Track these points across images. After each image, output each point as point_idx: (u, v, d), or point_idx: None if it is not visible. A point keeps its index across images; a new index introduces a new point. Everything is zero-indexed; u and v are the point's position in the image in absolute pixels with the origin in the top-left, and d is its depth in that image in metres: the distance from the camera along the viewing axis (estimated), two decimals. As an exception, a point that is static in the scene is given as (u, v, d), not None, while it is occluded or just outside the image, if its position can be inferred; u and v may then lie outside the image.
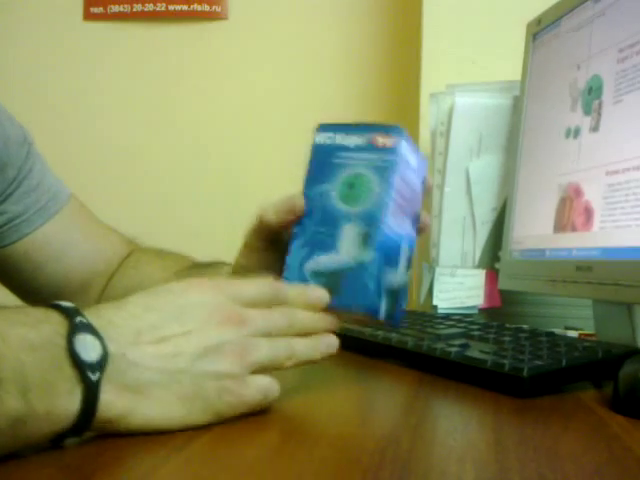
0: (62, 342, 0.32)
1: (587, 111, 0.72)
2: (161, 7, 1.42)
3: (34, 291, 0.72)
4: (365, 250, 0.47)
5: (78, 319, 0.34)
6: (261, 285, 0.43)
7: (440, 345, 0.57)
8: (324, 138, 0.51)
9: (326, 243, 0.48)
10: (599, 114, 0.70)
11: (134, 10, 1.43)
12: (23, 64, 1.47)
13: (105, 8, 1.44)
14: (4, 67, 1.47)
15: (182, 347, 0.37)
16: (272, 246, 0.52)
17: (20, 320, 0.33)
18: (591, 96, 0.72)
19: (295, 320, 0.43)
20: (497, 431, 0.39)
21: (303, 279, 0.47)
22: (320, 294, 0.45)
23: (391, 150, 0.49)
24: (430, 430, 0.41)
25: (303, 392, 0.51)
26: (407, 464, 0.32)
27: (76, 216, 0.76)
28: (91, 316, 0.35)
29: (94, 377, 0.33)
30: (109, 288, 0.75)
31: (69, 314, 0.34)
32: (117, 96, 1.46)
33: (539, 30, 0.86)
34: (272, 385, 0.40)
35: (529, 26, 0.89)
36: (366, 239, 0.47)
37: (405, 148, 0.51)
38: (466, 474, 0.31)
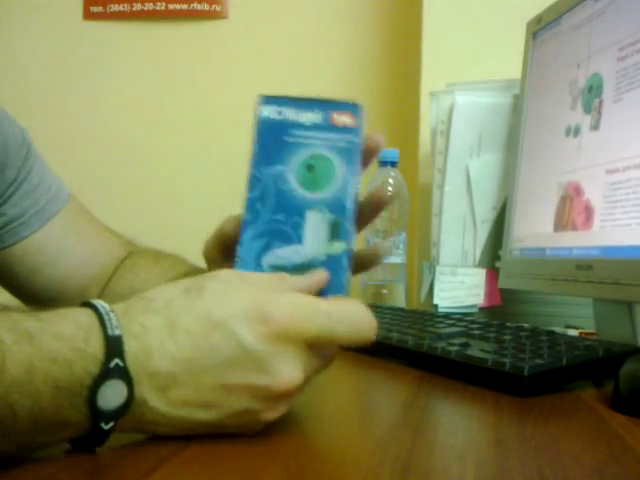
0: (89, 383, 0.31)
1: (587, 110, 0.72)
2: (161, 6, 1.42)
3: (32, 295, 0.72)
4: (334, 241, 0.43)
5: (115, 362, 0.32)
6: (274, 279, 0.39)
7: (441, 344, 0.57)
8: (271, 112, 0.47)
9: (286, 233, 0.43)
10: (599, 113, 0.70)
11: (134, 9, 1.43)
12: (23, 63, 1.47)
13: (105, 7, 1.44)
14: (4, 66, 1.47)
15: (215, 402, 0.34)
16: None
17: (53, 353, 0.31)
18: (591, 95, 0.72)
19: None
20: (498, 430, 0.39)
21: None
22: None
23: (353, 131, 0.46)
24: (431, 429, 0.41)
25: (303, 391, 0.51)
26: (408, 463, 0.32)
27: (74, 218, 0.75)
28: (134, 342, 0.33)
29: (106, 427, 0.32)
30: (106, 292, 0.74)
31: (109, 350, 0.32)
32: (117, 95, 1.46)
33: (539, 29, 0.86)
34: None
35: (529, 25, 0.89)
36: (335, 228, 0.43)
37: (362, 127, 0.46)
38: (467, 473, 0.31)
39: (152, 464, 0.31)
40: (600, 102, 0.70)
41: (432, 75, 1.17)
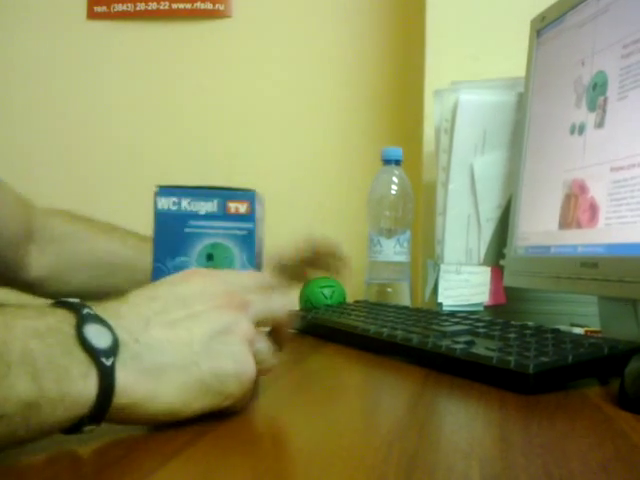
0: (71, 330, 0.33)
1: (592, 107, 0.72)
2: (164, 5, 1.42)
3: None
4: None
5: (85, 311, 0.34)
6: (253, 275, 0.47)
7: (445, 342, 0.57)
8: (168, 203, 0.49)
9: None
10: (604, 110, 0.70)
11: (137, 9, 1.43)
12: (27, 63, 1.47)
13: (109, 7, 1.44)
14: (8, 66, 1.48)
15: (193, 330, 0.37)
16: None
17: (23, 313, 0.33)
18: (596, 92, 0.72)
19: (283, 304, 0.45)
20: (503, 428, 0.39)
21: None
22: None
23: (247, 217, 0.50)
24: (436, 427, 0.41)
25: (308, 389, 0.51)
26: (413, 460, 0.32)
27: None
28: (96, 309, 0.35)
29: (108, 362, 0.33)
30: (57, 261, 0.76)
31: (74, 307, 0.34)
32: (121, 95, 1.46)
33: (543, 26, 0.85)
34: (270, 349, 0.43)
35: (533, 22, 0.89)
36: None
37: (258, 211, 0.51)
38: (472, 470, 0.31)
39: (155, 463, 0.31)
40: (605, 100, 0.70)
41: (436, 73, 1.17)
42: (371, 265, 1.03)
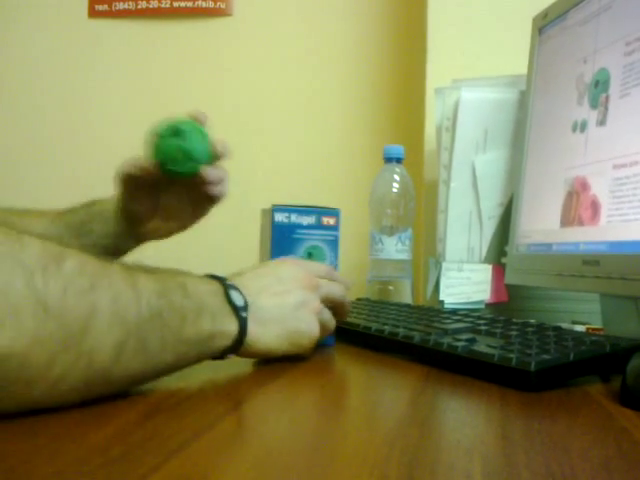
0: (222, 293, 0.51)
1: (594, 105, 0.72)
2: (166, 4, 1.42)
3: None
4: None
5: (227, 282, 0.52)
6: (325, 267, 0.65)
7: (447, 340, 0.57)
8: (282, 217, 0.69)
9: None
10: (606, 108, 0.70)
11: (139, 7, 1.43)
12: (28, 61, 1.47)
13: (110, 5, 1.44)
14: (9, 64, 1.48)
15: (287, 300, 0.57)
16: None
17: (195, 280, 0.49)
18: (598, 90, 0.72)
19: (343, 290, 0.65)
20: (504, 425, 0.39)
21: None
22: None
23: (334, 228, 0.71)
24: (437, 424, 0.41)
25: (310, 386, 0.51)
26: (414, 458, 0.32)
27: None
28: (231, 280, 0.53)
29: (244, 314, 0.51)
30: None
31: (221, 280, 0.52)
32: (122, 93, 1.46)
33: (545, 24, 0.85)
34: (332, 320, 0.63)
35: (535, 20, 0.89)
36: None
37: (340, 224, 0.72)
38: (474, 468, 0.31)
39: (158, 460, 0.31)
40: (607, 97, 0.70)
41: (437, 71, 1.17)
42: (373, 263, 1.03)
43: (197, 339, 0.47)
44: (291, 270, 0.60)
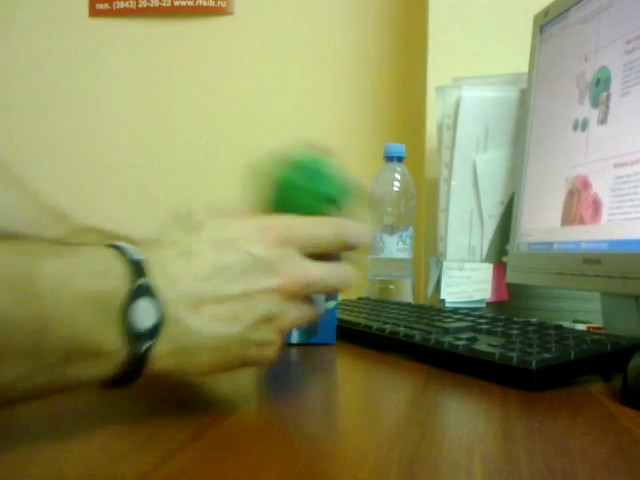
0: (118, 302, 0.33)
1: (595, 103, 0.72)
2: (166, 3, 1.42)
3: None
4: (329, 301, 0.66)
5: (140, 281, 0.33)
6: (327, 230, 0.43)
7: (448, 338, 0.57)
8: None
9: None
10: (607, 106, 0.70)
11: (140, 6, 1.43)
12: (29, 60, 1.47)
13: (111, 4, 1.44)
14: (10, 63, 1.48)
15: (240, 312, 0.37)
16: None
17: (84, 267, 0.33)
18: (599, 88, 0.71)
19: (347, 275, 0.44)
20: (505, 424, 0.39)
21: None
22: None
23: None
24: (438, 423, 0.41)
25: (310, 385, 0.51)
26: (415, 457, 0.32)
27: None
28: (155, 269, 0.35)
29: (142, 348, 0.33)
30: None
31: (134, 272, 0.34)
32: (123, 92, 1.46)
33: (546, 22, 0.85)
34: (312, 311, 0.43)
35: (536, 18, 0.88)
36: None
37: None
38: (474, 467, 0.31)
39: (162, 456, 0.31)
40: (608, 95, 0.70)
41: (438, 70, 1.17)
42: (373, 262, 1.03)
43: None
44: (265, 251, 0.39)
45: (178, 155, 1.44)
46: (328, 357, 0.64)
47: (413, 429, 0.38)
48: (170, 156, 1.44)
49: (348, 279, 0.43)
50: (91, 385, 0.33)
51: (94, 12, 1.45)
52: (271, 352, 0.40)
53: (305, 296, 0.41)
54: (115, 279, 0.33)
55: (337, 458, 0.33)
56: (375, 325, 0.68)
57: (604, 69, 0.71)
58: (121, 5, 1.44)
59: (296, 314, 0.40)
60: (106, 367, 0.33)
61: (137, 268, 0.34)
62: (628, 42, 0.67)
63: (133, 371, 0.33)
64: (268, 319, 0.38)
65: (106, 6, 1.44)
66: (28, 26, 1.47)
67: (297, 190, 0.47)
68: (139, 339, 0.33)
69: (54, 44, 1.47)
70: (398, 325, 0.66)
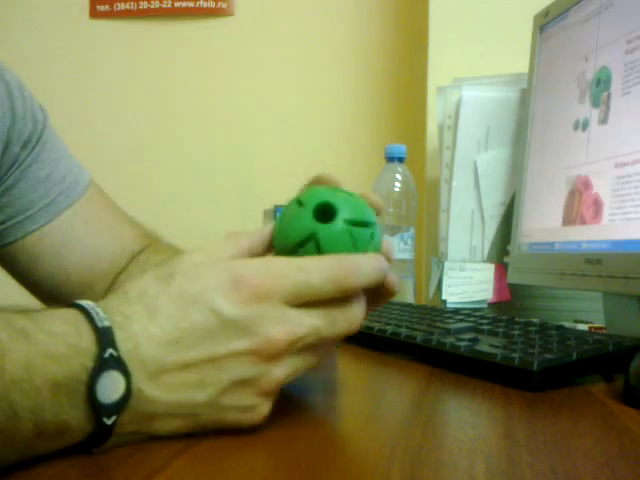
0: (86, 379, 0.31)
1: (595, 103, 0.72)
2: (167, 4, 1.42)
3: (32, 282, 0.68)
4: None
5: (109, 352, 0.32)
6: (321, 275, 0.36)
7: (449, 339, 0.57)
8: None
9: None
10: (607, 106, 0.70)
11: (140, 7, 1.43)
12: (29, 62, 1.47)
13: (111, 6, 1.44)
14: (11, 65, 1.48)
15: (207, 378, 0.34)
16: None
17: (49, 350, 0.31)
18: (599, 88, 0.71)
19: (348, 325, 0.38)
20: (507, 425, 0.39)
21: None
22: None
23: None
24: (440, 424, 0.41)
25: (312, 387, 0.51)
26: (418, 458, 0.32)
27: (88, 209, 0.70)
28: (121, 332, 0.33)
29: (109, 421, 0.32)
30: (114, 288, 0.68)
31: (101, 342, 0.32)
32: (123, 93, 1.46)
33: (546, 22, 0.85)
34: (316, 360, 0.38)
35: (536, 18, 0.88)
36: None
37: None
38: (477, 468, 0.31)
39: (162, 461, 0.31)
40: (608, 95, 0.70)
41: (439, 70, 1.17)
42: (375, 262, 1.03)
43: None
44: (238, 311, 0.34)
45: (178, 156, 1.44)
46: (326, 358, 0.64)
47: (415, 430, 0.38)
48: (170, 157, 1.44)
49: (355, 323, 0.38)
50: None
51: (95, 14, 1.45)
52: (256, 415, 0.36)
53: (303, 347, 0.36)
54: (81, 356, 0.31)
55: (339, 459, 0.33)
56: (377, 326, 0.68)
57: (605, 69, 0.71)
58: (122, 7, 1.44)
59: (285, 372, 0.36)
60: (74, 439, 0.32)
61: (104, 335, 0.32)
62: (628, 42, 0.67)
63: (100, 439, 0.32)
64: (243, 383, 0.35)
65: (107, 8, 1.45)
66: (29, 28, 1.48)
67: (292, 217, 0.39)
68: (107, 414, 0.32)
69: (55, 45, 1.47)
70: (400, 326, 0.66)
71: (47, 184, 0.67)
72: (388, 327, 0.66)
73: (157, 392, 0.33)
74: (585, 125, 0.74)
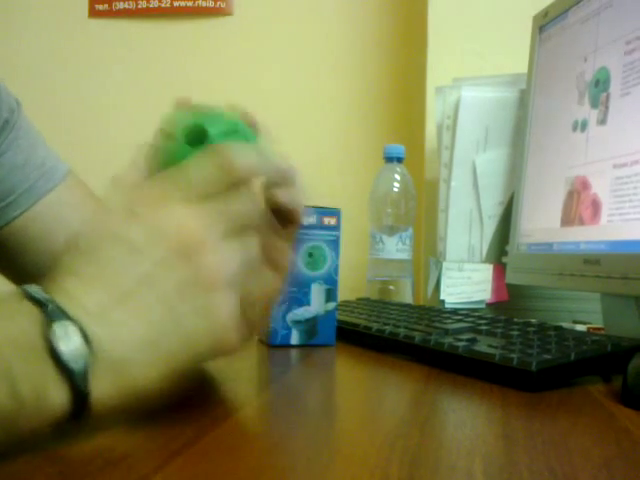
0: (40, 330, 0.30)
1: (594, 104, 0.72)
2: (166, 3, 1.42)
3: (19, 270, 0.67)
4: (329, 302, 0.67)
5: (51, 306, 0.31)
6: (206, 170, 0.38)
7: (448, 340, 0.57)
8: None
9: (300, 299, 0.66)
10: (606, 107, 0.70)
11: (139, 7, 1.43)
12: (28, 61, 1.47)
13: (110, 5, 1.44)
14: (10, 65, 1.48)
15: (148, 298, 0.33)
16: None
17: None
18: (598, 89, 0.71)
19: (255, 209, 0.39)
20: (506, 425, 0.39)
21: (286, 327, 0.65)
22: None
23: (335, 227, 0.68)
24: (439, 424, 0.41)
25: (310, 386, 0.51)
26: (416, 458, 0.32)
27: (71, 194, 0.70)
28: (53, 290, 0.33)
29: (78, 367, 0.30)
30: None
31: (40, 301, 0.32)
32: (122, 93, 1.46)
33: (546, 22, 0.85)
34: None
35: (535, 18, 0.88)
36: (329, 294, 0.67)
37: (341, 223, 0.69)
38: (475, 468, 0.31)
39: (159, 461, 0.31)
40: (607, 96, 0.70)
41: (438, 70, 1.17)
42: (373, 262, 1.03)
43: None
44: (144, 229, 0.35)
45: (178, 156, 1.44)
46: (328, 358, 0.64)
47: (413, 430, 0.38)
48: (170, 157, 1.44)
49: (256, 202, 0.39)
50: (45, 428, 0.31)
51: (94, 13, 1.45)
52: (222, 313, 0.34)
53: (226, 233, 0.36)
54: (29, 315, 0.31)
55: (337, 459, 0.33)
56: (375, 326, 0.68)
57: (603, 69, 0.71)
58: (121, 6, 1.44)
59: (218, 257, 0.35)
60: (54, 407, 0.31)
61: (40, 296, 0.32)
62: (628, 43, 0.67)
63: (81, 400, 0.31)
64: (184, 285, 0.34)
65: (106, 7, 1.44)
66: (28, 27, 1.47)
67: (178, 151, 0.43)
68: (74, 361, 0.30)
69: (54, 45, 1.47)
70: (398, 326, 0.66)
71: (26, 169, 0.66)
72: (386, 327, 0.66)
73: (111, 330, 0.32)
74: (584, 126, 0.74)
